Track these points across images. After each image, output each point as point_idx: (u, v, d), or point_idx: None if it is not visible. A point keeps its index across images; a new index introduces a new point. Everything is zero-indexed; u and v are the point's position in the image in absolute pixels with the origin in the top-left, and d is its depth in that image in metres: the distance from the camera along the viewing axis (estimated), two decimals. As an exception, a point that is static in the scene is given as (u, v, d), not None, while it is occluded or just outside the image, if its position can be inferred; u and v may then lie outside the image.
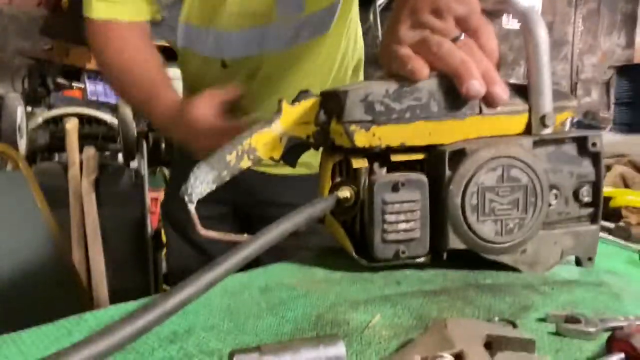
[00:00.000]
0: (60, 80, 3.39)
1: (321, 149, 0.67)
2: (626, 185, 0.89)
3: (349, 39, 1.05)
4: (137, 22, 0.95)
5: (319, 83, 1.00)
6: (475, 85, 0.54)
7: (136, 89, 0.92)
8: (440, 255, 0.59)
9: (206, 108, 0.83)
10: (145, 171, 2.50)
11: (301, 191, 1.06)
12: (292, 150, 0.66)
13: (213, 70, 0.97)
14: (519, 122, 0.60)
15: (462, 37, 0.60)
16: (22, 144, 2.50)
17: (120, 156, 2.67)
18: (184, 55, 1.01)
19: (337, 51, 1.03)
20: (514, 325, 0.46)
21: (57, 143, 2.64)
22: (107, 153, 2.81)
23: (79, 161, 2.23)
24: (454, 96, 0.58)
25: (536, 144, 0.59)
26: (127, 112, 2.45)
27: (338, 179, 0.64)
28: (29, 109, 2.83)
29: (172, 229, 1.18)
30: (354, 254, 0.61)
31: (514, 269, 0.60)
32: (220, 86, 0.96)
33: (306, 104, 0.65)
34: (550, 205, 0.60)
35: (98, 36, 0.94)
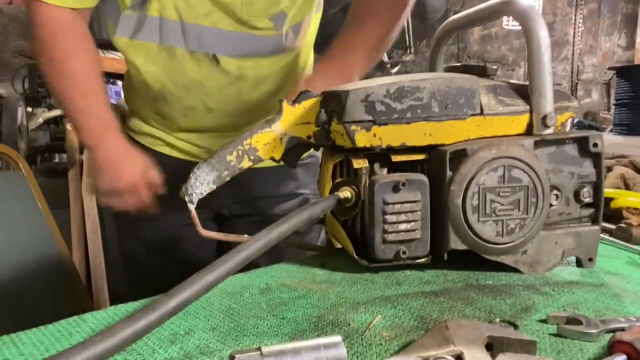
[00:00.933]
0: (61, 81, 3.38)
1: (321, 149, 0.67)
2: (627, 187, 0.89)
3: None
4: (83, 9, 0.90)
5: (294, 85, 1.04)
6: None
7: (73, 92, 0.89)
8: (441, 256, 0.59)
9: (157, 178, 0.89)
10: (145, 171, 2.49)
11: (270, 183, 1.05)
12: (293, 151, 0.66)
13: (204, 66, 0.96)
14: (520, 123, 0.60)
15: None
16: (23, 144, 2.50)
17: (120, 156, 2.66)
18: (154, 50, 0.95)
19: (309, 50, 1.08)
20: (515, 327, 0.46)
21: (57, 143, 2.64)
22: (107, 153, 2.80)
23: (79, 161, 2.22)
24: (455, 96, 0.58)
25: (537, 144, 0.59)
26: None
27: (339, 179, 0.64)
28: (30, 109, 2.84)
29: (119, 223, 1.13)
30: (354, 254, 0.61)
31: (514, 270, 0.60)
32: (213, 82, 0.96)
33: (307, 104, 0.65)
34: (551, 205, 0.60)
35: (42, 21, 0.88)
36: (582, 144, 0.60)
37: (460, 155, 0.57)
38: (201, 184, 0.63)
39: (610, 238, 0.76)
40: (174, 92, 0.96)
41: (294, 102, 0.65)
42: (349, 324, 0.47)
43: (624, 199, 0.82)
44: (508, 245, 0.58)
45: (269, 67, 0.99)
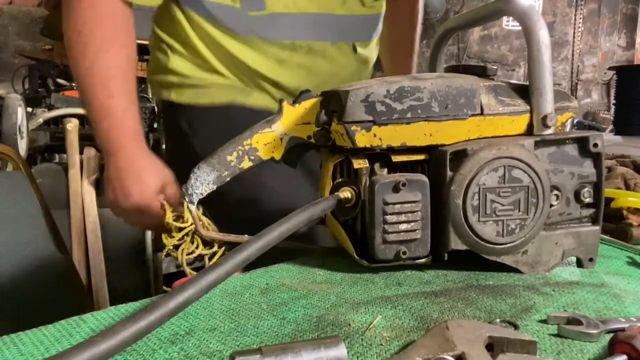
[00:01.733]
0: (61, 81, 3.39)
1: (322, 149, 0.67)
2: (627, 187, 0.89)
3: None
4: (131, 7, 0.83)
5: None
6: None
7: (100, 89, 0.80)
8: (441, 256, 0.59)
9: (175, 196, 0.78)
10: (145, 171, 2.48)
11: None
12: (293, 151, 0.66)
13: (342, 57, 0.93)
14: (520, 123, 0.60)
15: None
16: (23, 144, 2.50)
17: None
18: (288, 48, 0.89)
19: None
20: (516, 327, 0.46)
21: (57, 144, 2.64)
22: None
23: (79, 162, 2.22)
24: (456, 97, 0.58)
25: (537, 144, 0.59)
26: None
27: (339, 179, 0.64)
28: (30, 109, 2.84)
29: None
30: (354, 254, 0.61)
31: (515, 270, 0.60)
32: (347, 73, 0.94)
33: (307, 104, 0.65)
34: (551, 205, 0.60)
35: (91, 2, 0.81)
36: (583, 144, 0.60)
37: (460, 156, 0.57)
38: (201, 184, 0.63)
39: (611, 238, 0.76)
40: (307, 88, 0.94)
41: (294, 102, 0.65)
42: (350, 325, 0.47)
43: (624, 199, 0.81)
44: (508, 245, 0.58)
45: (375, 48, 1.02)
